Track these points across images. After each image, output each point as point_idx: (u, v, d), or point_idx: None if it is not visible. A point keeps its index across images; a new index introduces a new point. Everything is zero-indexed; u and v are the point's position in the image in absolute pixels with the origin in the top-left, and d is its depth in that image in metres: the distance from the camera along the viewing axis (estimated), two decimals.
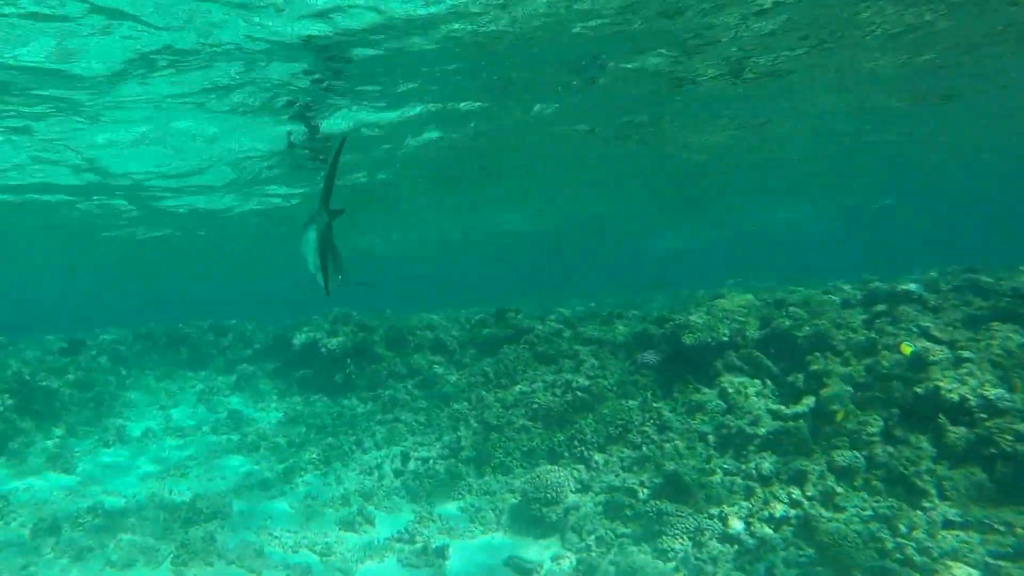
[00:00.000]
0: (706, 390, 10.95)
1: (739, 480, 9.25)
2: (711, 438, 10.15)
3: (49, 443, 13.60)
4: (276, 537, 10.25)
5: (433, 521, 10.35)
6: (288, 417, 14.76)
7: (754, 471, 9.25)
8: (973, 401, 8.27)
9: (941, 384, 8.55)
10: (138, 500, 11.44)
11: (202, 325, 20.69)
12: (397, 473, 11.62)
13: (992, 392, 8.22)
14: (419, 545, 9.60)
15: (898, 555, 7.54)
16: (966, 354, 8.85)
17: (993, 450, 7.90)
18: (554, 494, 9.76)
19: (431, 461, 11.62)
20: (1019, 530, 7.18)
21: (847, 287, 12.31)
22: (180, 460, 13.44)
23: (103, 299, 65.75)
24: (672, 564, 8.44)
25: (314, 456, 12.72)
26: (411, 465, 11.66)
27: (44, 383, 14.74)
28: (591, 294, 27.13)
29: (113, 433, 14.53)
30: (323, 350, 15.30)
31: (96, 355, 18.46)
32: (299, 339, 16.30)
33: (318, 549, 9.87)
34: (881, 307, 11.00)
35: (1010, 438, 7.79)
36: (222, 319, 21.55)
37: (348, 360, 14.91)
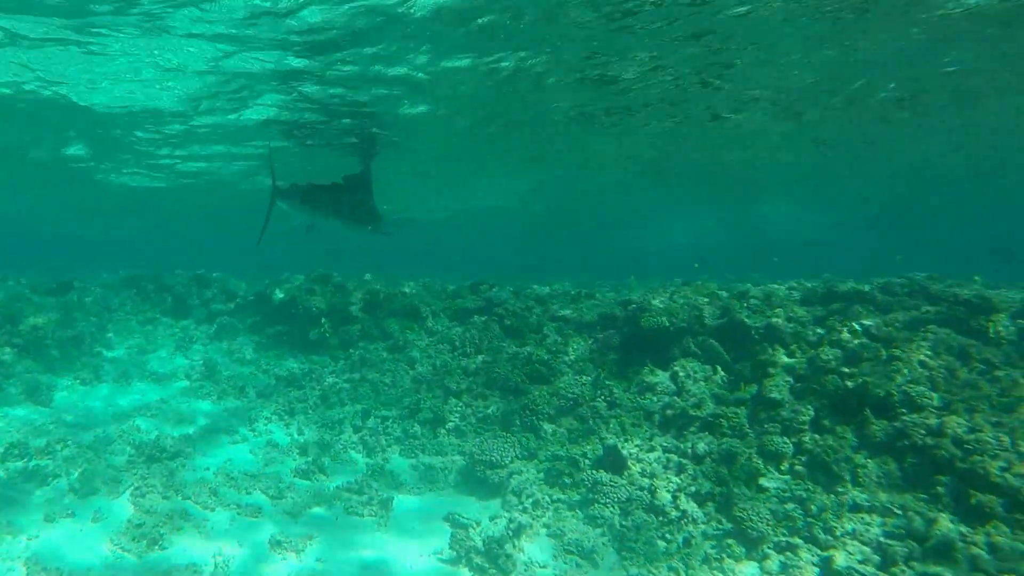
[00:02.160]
0: (660, 372, 11.37)
1: (675, 457, 9.69)
2: (656, 417, 10.57)
3: (28, 376, 14.04)
4: (233, 479, 10.70)
5: (384, 476, 10.80)
6: (260, 369, 15.21)
7: (689, 450, 9.67)
8: (896, 397, 8.67)
9: (869, 380, 8.94)
10: (107, 434, 11.88)
11: (187, 276, 21.05)
12: (356, 429, 12.08)
13: (914, 389, 8.62)
14: (366, 496, 10.07)
15: (806, 532, 8.00)
16: (898, 353, 9.23)
17: (906, 442, 8.30)
18: (499, 458, 10.21)
19: (390, 420, 12.06)
20: (911, 513, 7.61)
21: (811, 284, 12.66)
22: (152, 401, 13.88)
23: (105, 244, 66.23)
24: (599, 530, 8.89)
25: (280, 407, 13.18)
26: (370, 422, 12.10)
27: (29, 319, 15.17)
28: (587, 279, 27.51)
29: (91, 371, 14.96)
30: (300, 308, 15.71)
31: (81, 296, 18.87)
32: (278, 295, 16.72)
33: (271, 493, 10.32)
34: (837, 305, 11.38)
35: (923, 432, 8.21)
36: (210, 271, 21.86)
37: (324, 319, 15.32)
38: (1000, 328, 9.43)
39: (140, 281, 21.17)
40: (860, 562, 7.46)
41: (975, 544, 7.09)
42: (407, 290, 15.98)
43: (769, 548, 8.01)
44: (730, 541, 8.17)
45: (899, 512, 7.75)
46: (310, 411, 13.07)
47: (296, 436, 12.26)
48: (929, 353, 9.17)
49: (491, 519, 9.45)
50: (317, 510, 9.96)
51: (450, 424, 11.67)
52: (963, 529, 7.34)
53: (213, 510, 9.85)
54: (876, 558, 7.49)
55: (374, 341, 14.60)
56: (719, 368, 10.97)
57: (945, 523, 7.37)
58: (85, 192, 32.27)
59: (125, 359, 16.53)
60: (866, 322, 10.16)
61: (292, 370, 14.72)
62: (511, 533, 8.81)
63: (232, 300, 19.35)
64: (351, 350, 14.64)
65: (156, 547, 8.63)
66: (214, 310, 19.26)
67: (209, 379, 15.11)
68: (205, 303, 19.71)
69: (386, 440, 11.64)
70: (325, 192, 14.76)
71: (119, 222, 45.52)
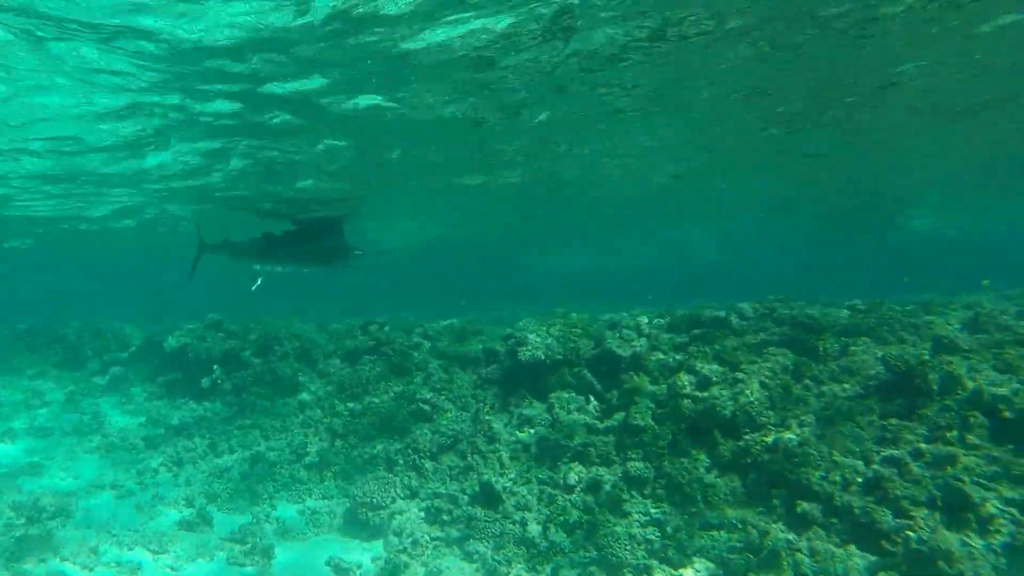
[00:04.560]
0: (537, 404, 11.84)
1: (548, 488, 10.14)
2: (533, 449, 11.02)
3: None
4: (115, 535, 10.64)
5: (270, 523, 10.89)
6: (151, 419, 15.02)
7: (561, 480, 10.14)
8: (740, 417, 9.37)
9: (717, 402, 9.63)
10: None
11: (80, 326, 20.54)
12: (243, 476, 12.09)
13: (755, 409, 9.34)
14: (249, 545, 10.15)
15: (661, 554, 8.54)
16: (740, 375, 9.98)
17: (748, 460, 8.99)
18: (380, 499, 10.47)
19: (278, 466, 12.14)
20: (749, 527, 8.26)
21: (680, 312, 13.41)
22: (37, 460, 13.55)
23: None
24: (475, 565, 9.24)
25: (168, 458, 13.07)
26: (257, 469, 12.14)
27: None
28: (486, 307, 27.97)
29: None
30: (191, 355, 15.60)
31: None
32: (171, 343, 16.52)
33: (153, 547, 10.30)
34: (698, 331, 12.13)
35: (760, 449, 8.90)
36: (103, 320, 21.40)
37: (216, 366, 15.25)
38: (828, 346, 10.31)
39: (30, 333, 20.54)
40: None
41: (799, 550, 7.76)
42: (300, 333, 16.06)
43: (628, 572, 8.51)
44: (593, 568, 8.62)
45: (740, 527, 8.39)
46: (199, 460, 13.02)
47: (183, 487, 12.20)
48: (769, 374, 9.93)
49: (373, 560, 9.68)
50: (200, 562, 9.99)
51: (336, 467, 11.84)
52: (791, 537, 8.01)
53: (92, 570, 9.78)
54: (720, 572, 8.08)
55: (266, 386, 14.63)
56: (592, 398, 11.52)
57: (776, 533, 8.03)
58: None
59: (14, 415, 16.06)
60: (717, 347, 10.91)
61: (183, 419, 14.60)
62: (386, 574, 9.09)
63: (126, 349, 19.00)
64: (243, 395, 14.64)
65: None
66: (107, 360, 18.85)
67: (97, 432, 14.86)
68: (98, 353, 19.27)
69: (273, 487, 11.72)
70: (280, 241, 15.78)
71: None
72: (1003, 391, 8.02)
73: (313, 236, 16.95)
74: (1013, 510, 7.04)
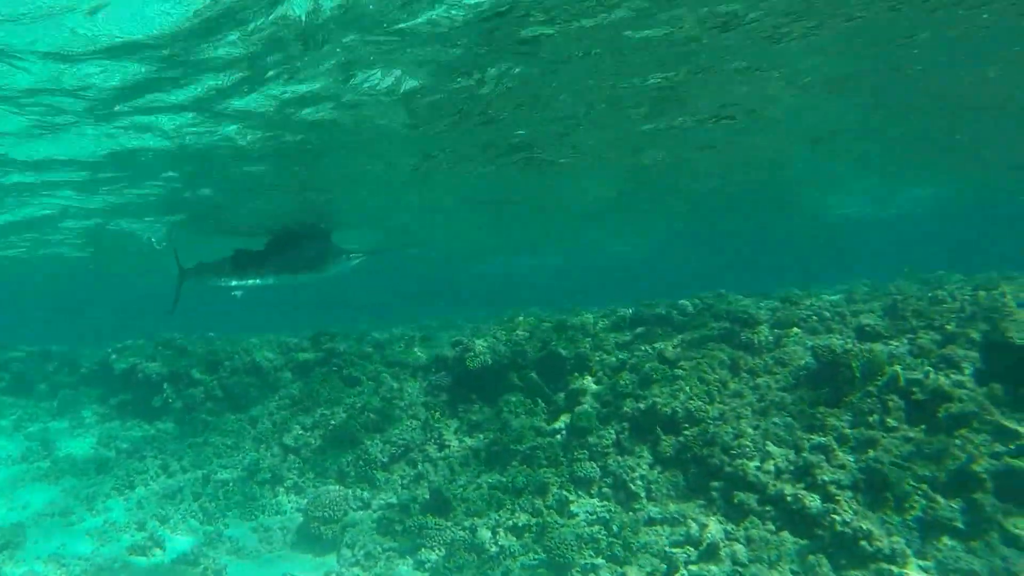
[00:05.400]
0: (487, 409, 12.00)
1: (498, 493, 10.29)
2: (483, 455, 11.16)
3: None
4: (64, 565, 10.51)
5: (223, 542, 10.86)
6: (101, 442, 14.85)
7: (510, 484, 10.31)
8: (680, 413, 9.64)
9: (658, 399, 9.89)
10: None
11: (27, 350, 20.15)
12: (196, 496, 12.04)
13: (693, 404, 9.62)
14: (201, 567, 10.13)
15: (608, 552, 8.75)
16: (679, 371, 10.26)
17: (689, 454, 9.26)
18: (332, 512, 10.52)
19: (230, 483, 12.11)
20: (689, 520, 8.53)
21: (624, 310, 13.66)
22: None
23: None
24: (426, 574, 9.37)
25: (120, 481, 12.95)
26: (209, 488, 12.10)
27: None
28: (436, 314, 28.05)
29: None
30: (140, 375, 15.44)
31: None
32: (120, 364, 16.33)
33: (104, 575, 10.22)
34: (641, 330, 12.40)
35: (700, 443, 9.18)
36: (52, 343, 21.03)
37: (166, 384, 15.12)
38: (762, 339, 10.64)
39: None
40: (648, 573, 8.26)
41: (737, 540, 8.04)
42: (251, 348, 15.99)
43: (576, 572, 8.69)
44: (542, 571, 8.80)
45: (682, 520, 8.65)
46: (151, 482, 12.92)
47: (135, 510, 12.10)
48: (707, 369, 10.23)
49: (326, 575, 9.74)
50: None
51: (288, 482, 11.86)
52: (729, 527, 8.29)
53: None
54: (663, 567, 8.31)
55: (217, 403, 14.56)
56: (539, 400, 11.71)
57: (714, 526, 8.31)
58: None
59: None
60: (658, 345, 11.19)
61: (134, 440, 14.48)
62: None
63: (75, 373, 18.71)
64: (194, 413, 14.55)
65: None
66: (56, 384, 18.55)
67: (47, 459, 14.62)
68: (47, 378, 18.95)
69: (226, 505, 11.69)
70: (257, 256, 15.83)
71: None
72: (916, 375, 8.41)
73: (294, 244, 16.95)
74: (925, 486, 7.40)
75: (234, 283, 15.92)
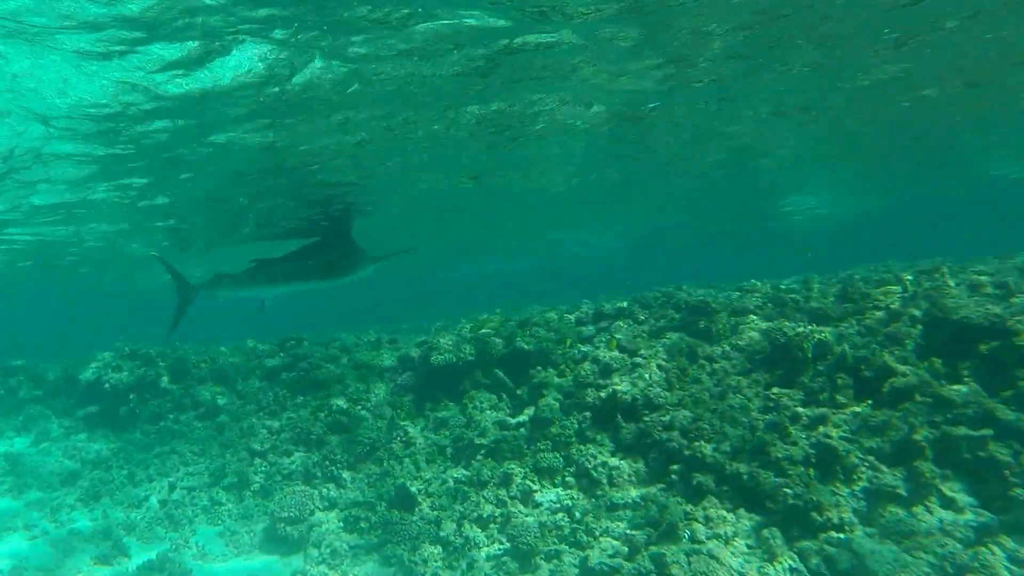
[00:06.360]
0: (452, 406, 12.08)
1: (463, 487, 10.37)
2: (449, 451, 11.24)
3: None
4: None
5: (189, 548, 10.81)
6: (67, 455, 14.66)
7: (475, 478, 10.39)
8: (640, 400, 9.80)
9: (618, 388, 10.05)
10: None
11: None
12: (162, 503, 11.98)
13: (652, 391, 9.79)
14: (166, 573, 10.07)
15: (571, 538, 8.86)
16: (639, 360, 10.44)
17: (649, 440, 9.41)
18: (299, 512, 10.53)
19: (196, 490, 12.06)
20: (649, 503, 8.67)
21: (585, 306, 13.85)
22: None
23: None
24: (392, 569, 9.40)
25: (85, 492, 12.84)
26: (175, 495, 12.04)
27: None
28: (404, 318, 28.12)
29: None
30: (107, 386, 15.31)
31: None
32: (86, 375, 16.15)
33: None
34: (604, 323, 12.57)
35: (660, 428, 9.34)
36: (13, 358, 20.69)
37: (131, 395, 15.00)
38: (720, 327, 10.86)
39: None
40: (610, 556, 8.35)
41: (695, 519, 8.19)
42: (217, 355, 15.92)
43: (540, 559, 8.79)
44: (506, 559, 8.89)
45: (642, 504, 8.79)
46: (116, 492, 12.81)
47: (100, 520, 11.99)
48: (665, 357, 10.42)
49: (292, 575, 9.74)
50: None
51: (255, 485, 11.84)
52: (688, 508, 8.43)
53: None
54: (624, 549, 8.42)
55: (184, 411, 14.49)
56: (504, 395, 11.82)
57: (673, 507, 8.44)
58: None
59: None
60: (618, 336, 11.36)
61: (100, 452, 14.34)
62: None
63: (40, 386, 18.43)
64: (161, 423, 14.45)
65: None
66: (21, 398, 18.27)
67: (11, 473, 14.43)
68: (11, 392, 18.65)
69: (192, 511, 11.63)
70: (282, 263, 15.16)
71: None
72: (863, 352, 8.65)
73: (321, 249, 16.37)
74: (871, 458, 7.62)
75: (254, 294, 15.13)
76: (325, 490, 11.04)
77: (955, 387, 7.84)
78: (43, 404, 17.65)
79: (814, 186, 29.43)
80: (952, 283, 9.41)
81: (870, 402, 8.24)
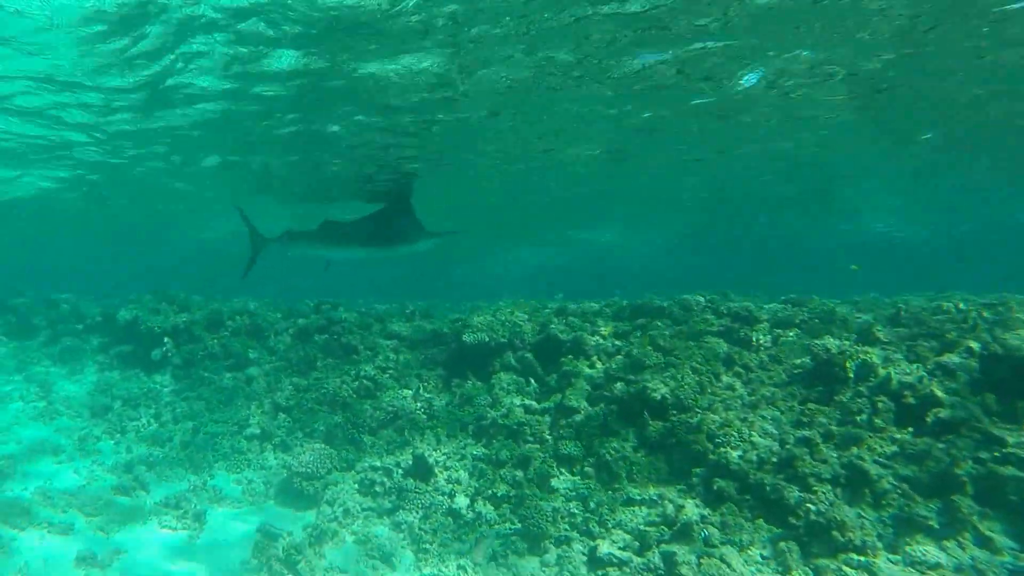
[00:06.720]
0: (479, 384, 12.02)
1: (481, 464, 10.32)
2: (471, 427, 11.19)
3: None
4: (50, 498, 10.64)
5: (206, 491, 10.95)
6: (99, 389, 15.00)
7: (494, 456, 10.33)
8: (670, 400, 9.62)
9: (649, 384, 9.88)
10: None
11: (33, 297, 20.40)
12: (185, 445, 12.15)
13: (683, 392, 9.60)
14: (182, 510, 10.23)
15: (583, 527, 8.76)
16: (673, 359, 10.25)
17: (674, 440, 9.24)
18: (316, 470, 10.59)
19: (220, 436, 12.20)
20: (666, 502, 8.51)
21: (625, 302, 13.67)
22: None
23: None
24: (402, 534, 9.40)
25: (112, 426, 13.11)
26: (199, 439, 12.20)
27: None
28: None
29: None
30: (143, 327, 15.59)
31: None
32: (124, 315, 16.47)
33: (87, 511, 10.33)
34: (641, 320, 12.39)
35: (685, 430, 9.16)
36: (58, 293, 21.24)
37: (167, 338, 15.25)
38: (760, 337, 10.61)
39: None
40: (620, 548, 8.24)
41: (711, 523, 8.01)
42: (251, 308, 16.11)
43: (549, 543, 8.71)
44: (515, 539, 8.82)
45: (659, 502, 8.63)
46: (142, 429, 13.04)
47: (124, 454, 12.24)
48: (701, 360, 10.21)
49: (304, 528, 9.79)
50: (131, 526, 10.04)
51: (277, 439, 11.94)
52: (705, 512, 8.26)
53: (23, 530, 9.80)
54: (635, 543, 8.29)
55: (216, 360, 14.67)
56: (532, 380, 11.72)
57: (690, 508, 8.28)
58: None
59: None
60: (655, 334, 11.17)
61: (131, 390, 14.60)
62: (313, 540, 9.22)
63: (81, 322, 18.86)
64: (192, 369, 14.67)
65: None
66: (61, 331, 18.73)
67: (44, 399, 14.81)
68: (51, 324, 19.14)
69: (212, 456, 11.78)
70: (342, 227, 15.74)
71: None
72: (910, 379, 8.36)
73: (384, 219, 16.75)
74: (905, 485, 7.35)
75: (319, 254, 15.99)
76: (345, 451, 11.08)
77: (1008, 426, 7.52)
78: (80, 338, 18.07)
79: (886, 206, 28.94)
80: (1021, 318, 9.04)
81: (911, 430, 7.95)
